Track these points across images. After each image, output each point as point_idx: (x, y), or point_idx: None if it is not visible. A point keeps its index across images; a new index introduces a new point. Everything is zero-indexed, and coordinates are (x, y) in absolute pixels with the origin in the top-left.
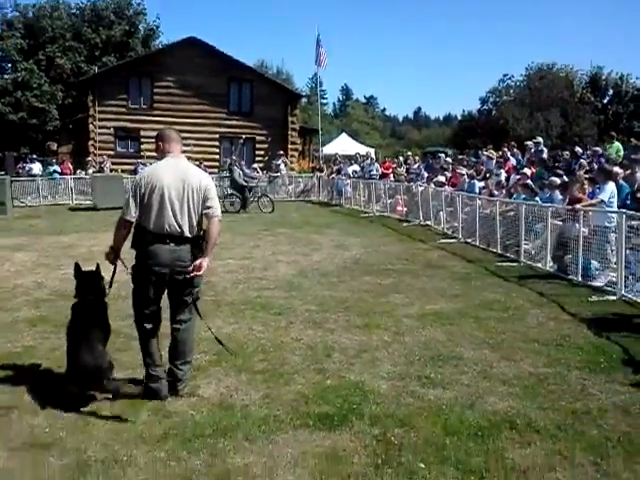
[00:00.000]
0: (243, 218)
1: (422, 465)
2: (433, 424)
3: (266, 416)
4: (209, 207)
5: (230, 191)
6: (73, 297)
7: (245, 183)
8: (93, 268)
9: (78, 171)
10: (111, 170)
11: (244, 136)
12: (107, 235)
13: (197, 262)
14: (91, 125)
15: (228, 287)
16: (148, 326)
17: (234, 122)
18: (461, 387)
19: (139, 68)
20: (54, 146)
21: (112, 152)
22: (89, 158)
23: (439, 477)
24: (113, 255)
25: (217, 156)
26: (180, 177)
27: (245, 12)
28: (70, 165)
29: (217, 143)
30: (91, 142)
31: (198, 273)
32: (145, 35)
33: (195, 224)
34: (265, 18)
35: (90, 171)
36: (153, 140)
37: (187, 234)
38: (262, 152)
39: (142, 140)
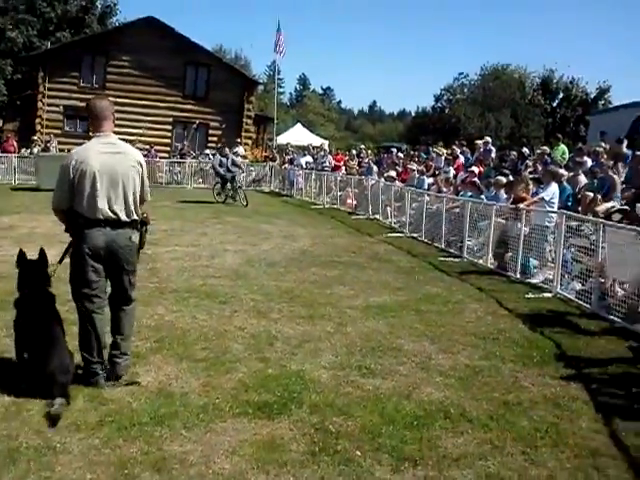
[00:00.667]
0: (190, 205)
1: (358, 453)
2: (370, 413)
3: (205, 404)
4: (145, 191)
5: (216, 180)
6: (17, 289)
7: (223, 173)
8: (36, 256)
9: (23, 150)
10: (59, 150)
11: (197, 121)
12: (50, 217)
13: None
14: (40, 102)
15: (173, 274)
16: (90, 311)
17: (189, 106)
18: (399, 377)
19: (94, 46)
20: None
21: (60, 131)
22: (35, 137)
23: (374, 464)
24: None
25: (169, 140)
26: (112, 160)
27: None
28: (15, 143)
29: (170, 127)
30: (38, 120)
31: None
32: (102, 12)
33: (133, 208)
34: (226, 2)
35: (35, 150)
36: None
37: (124, 218)
38: (215, 138)
39: None
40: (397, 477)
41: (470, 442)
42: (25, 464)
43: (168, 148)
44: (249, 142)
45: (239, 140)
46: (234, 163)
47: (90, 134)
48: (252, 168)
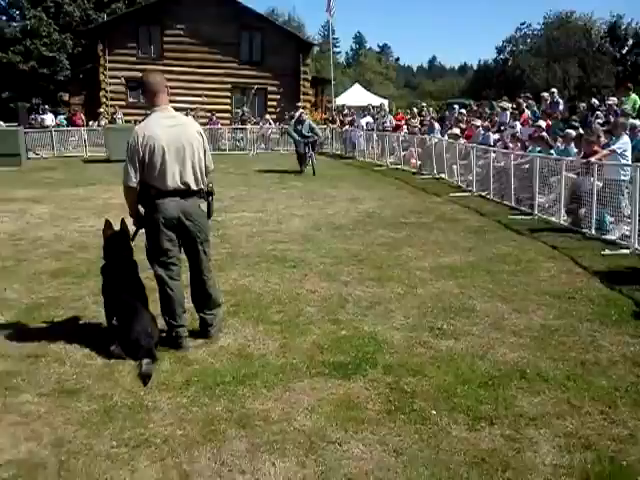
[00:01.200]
0: (254, 170)
1: (434, 412)
2: (445, 373)
3: (283, 365)
4: (208, 160)
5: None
6: (102, 258)
7: (299, 139)
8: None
9: (90, 122)
10: (124, 121)
11: (255, 86)
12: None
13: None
14: (102, 75)
15: (243, 240)
16: (166, 277)
17: (245, 72)
18: (472, 338)
19: (149, 16)
20: (66, 97)
21: (124, 102)
22: (101, 109)
23: (450, 423)
24: (135, 217)
25: (229, 107)
26: (177, 133)
27: None
28: (82, 116)
29: (229, 94)
30: (102, 92)
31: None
32: None
33: (200, 176)
34: None
35: (102, 122)
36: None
37: (194, 187)
38: (274, 103)
39: None
40: (473, 435)
41: (547, 402)
42: (121, 421)
43: (228, 115)
44: (308, 105)
45: (299, 104)
46: (311, 129)
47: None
48: None
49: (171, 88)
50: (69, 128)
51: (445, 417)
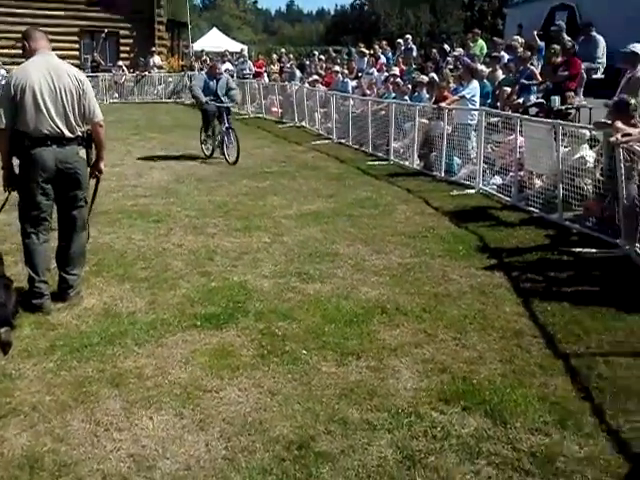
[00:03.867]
0: (108, 122)
1: (304, 352)
2: (313, 315)
3: (153, 321)
4: (87, 109)
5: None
6: None
7: (211, 105)
8: None
9: None
10: None
11: (106, 30)
12: None
13: (99, 165)
14: None
15: (102, 195)
16: (33, 233)
17: (94, 14)
18: (337, 280)
19: None
20: None
21: None
22: None
23: (320, 361)
24: (6, 174)
25: (77, 52)
26: (51, 75)
27: None
28: None
29: (77, 38)
30: None
31: (99, 175)
32: None
33: (75, 123)
34: None
35: None
36: (3, 35)
37: (68, 134)
38: (127, 48)
39: None
40: (342, 370)
41: (406, 333)
42: None
43: (78, 62)
44: (164, 51)
45: (154, 49)
46: (228, 89)
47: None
48: (170, 79)
49: (11, 33)
50: None
51: (315, 356)
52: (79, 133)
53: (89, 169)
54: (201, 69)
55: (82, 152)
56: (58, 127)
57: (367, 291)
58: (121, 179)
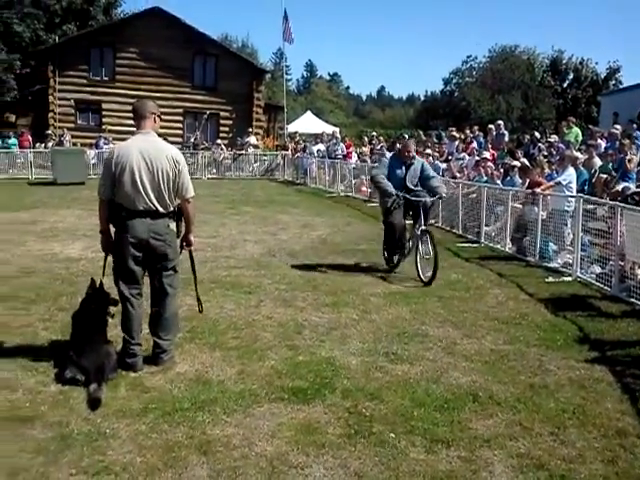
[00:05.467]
0: (205, 195)
1: (392, 435)
2: (401, 397)
3: (242, 390)
4: (180, 187)
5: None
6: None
7: (396, 191)
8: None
9: (37, 144)
10: (72, 144)
11: (208, 112)
12: (70, 211)
13: (189, 238)
14: (51, 97)
15: (196, 266)
16: (127, 297)
17: (198, 97)
18: (427, 362)
19: (101, 38)
20: (12, 118)
21: (72, 125)
22: (49, 131)
23: (408, 446)
24: (104, 239)
25: (181, 131)
26: (148, 155)
27: None
28: (29, 138)
29: (181, 118)
30: (51, 114)
31: (189, 247)
32: (106, 3)
33: (169, 201)
34: None
35: (50, 144)
36: (115, 113)
37: (162, 210)
38: (226, 128)
39: (103, 113)
40: (431, 457)
41: (499, 424)
42: (79, 449)
43: (180, 139)
44: (260, 131)
45: (250, 130)
46: (425, 177)
47: (107, 127)
48: (265, 157)
49: (121, 112)
50: (15, 149)
51: (403, 440)
52: (171, 208)
53: (179, 240)
54: (294, 148)
55: (172, 225)
56: (153, 204)
57: (458, 376)
58: (215, 250)
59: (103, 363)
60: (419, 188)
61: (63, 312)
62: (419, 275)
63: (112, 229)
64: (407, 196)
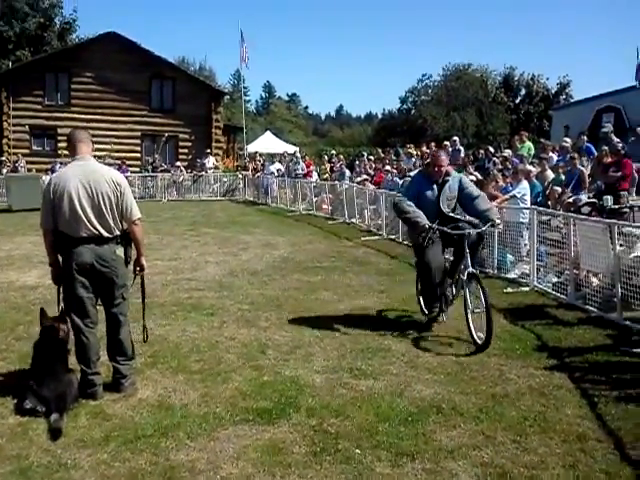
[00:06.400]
0: (166, 218)
1: (358, 451)
2: (366, 412)
3: (206, 414)
4: (125, 209)
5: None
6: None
7: (434, 229)
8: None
9: None
10: (27, 169)
11: (166, 134)
12: (25, 238)
13: (141, 261)
14: (5, 123)
15: (158, 288)
16: (80, 326)
17: (156, 119)
18: (390, 377)
19: (56, 63)
20: None
21: (27, 150)
22: (3, 157)
23: (374, 461)
24: (54, 271)
25: (139, 154)
26: (87, 180)
27: (165, 7)
28: None
29: (139, 141)
30: (5, 140)
31: (141, 272)
32: (61, 29)
33: (113, 224)
34: (186, 13)
35: (4, 171)
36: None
37: (106, 234)
38: (186, 150)
39: (59, 138)
40: (397, 471)
41: (463, 434)
42: None
43: (139, 162)
44: (220, 152)
45: (209, 151)
46: (467, 192)
47: (63, 152)
48: (225, 178)
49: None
50: None
51: (369, 455)
52: (117, 232)
53: (131, 266)
54: (255, 169)
55: (119, 250)
56: (96, 229)
57: (421, 389)
58: (177, 273)
59: (64, 392)
60: (458, 213)
61: (20, 341)
62: (471, 335)
63: (60, 258)
64: (444, 229)
